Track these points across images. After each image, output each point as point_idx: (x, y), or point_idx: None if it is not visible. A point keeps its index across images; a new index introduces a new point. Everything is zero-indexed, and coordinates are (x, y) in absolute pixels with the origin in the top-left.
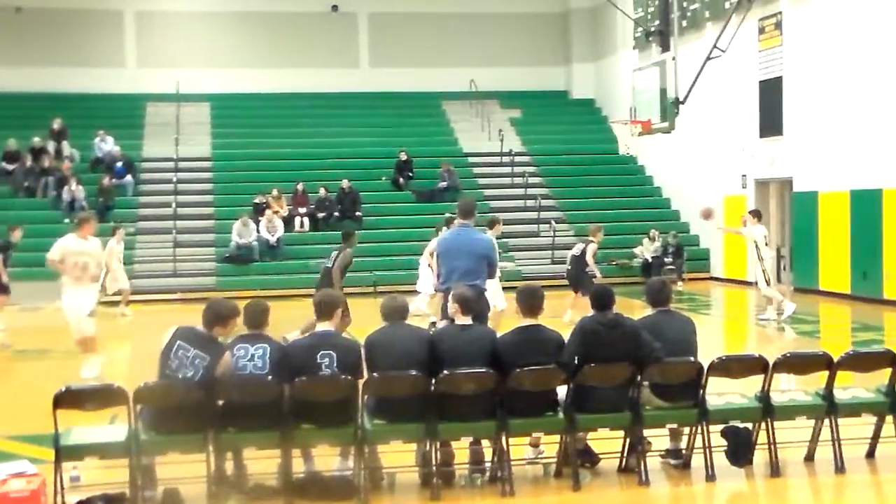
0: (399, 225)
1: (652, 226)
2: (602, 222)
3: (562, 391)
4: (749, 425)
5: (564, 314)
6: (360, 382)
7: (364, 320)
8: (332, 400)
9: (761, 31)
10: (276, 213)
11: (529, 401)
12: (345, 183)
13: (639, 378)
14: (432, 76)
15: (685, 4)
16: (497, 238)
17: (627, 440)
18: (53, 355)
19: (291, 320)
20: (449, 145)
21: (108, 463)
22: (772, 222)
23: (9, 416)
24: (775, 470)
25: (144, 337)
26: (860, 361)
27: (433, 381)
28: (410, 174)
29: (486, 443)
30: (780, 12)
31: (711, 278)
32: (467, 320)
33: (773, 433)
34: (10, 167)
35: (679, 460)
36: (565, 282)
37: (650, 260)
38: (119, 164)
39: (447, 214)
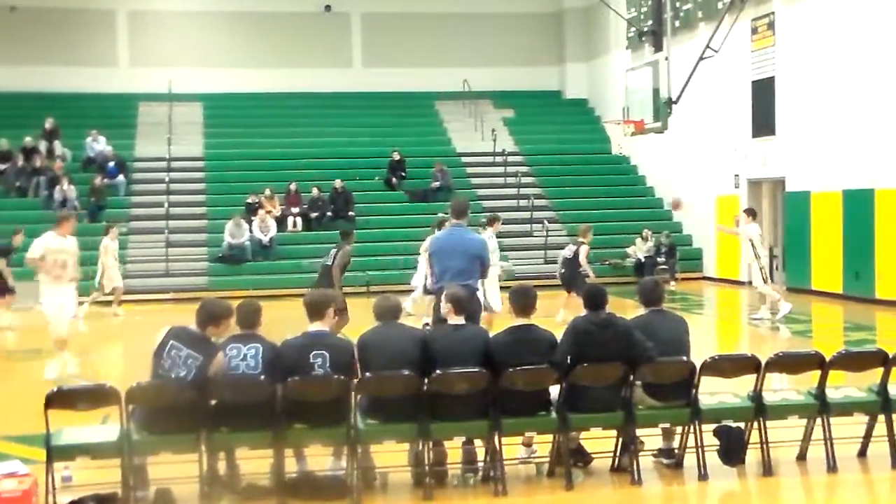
0: (392, 225)
1: (644, 226)
2: (595, 222)
3: (554, 391)
4: (741, 425)
5: (557, 314)
6: (353, 382)
7: (357, 320)
8: (325, 400)
9: (754, 31)
10: (268, 212)
11: (522, 400)
12: (337, 183)
13: (631, 377)
14: (425, 76)
15: (678, 4)
16: (496, 236)
17: (620, 440)
18: (45, 355)
19: (284, 320)
20: (442, 145)
21: (99, 463)
22: (764, 222)
23: (0, 417)
24: (767, 469)
25: (136, 337)
26: (852, 361)
27: (426, 380)
28: (403, 174)
29: (478, 442)
30: (773, 13)
31: (704, 278)
32: (460, 320)
33: (766, 432)
34: (2, 167)
35: (671, 460)
36: (558, 282)
37: (643, 260)
38: (111, 163)
39: (440, 215)
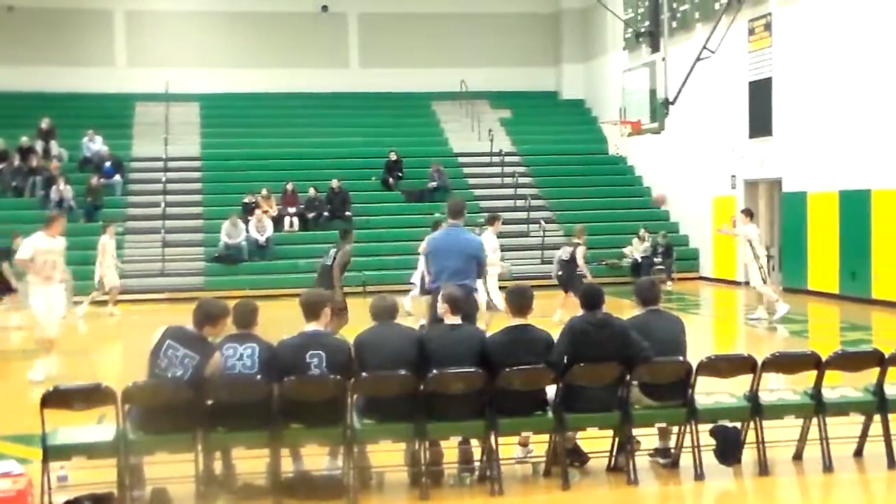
0: (389, 225)
1: (641, 226)
2: (591, 222)
3: (551, 390)
4: (738, 424)
5: (554, 314)
6: (350, 382)
7: (353, 320)
8: (321, 399)
9: (751, 32)
10: (265, 212)
11: (518, 400)
12: (334, 183)
13: (628, 377)
14: (422, 76)
15: (675, 5)
16: (497, 235)
17: (616, 439)
18: (41, 355)
19: (281, 320)
20: (439, 145)
21: (95, 463)
22: (761, 223)
23: None
24: (764, 469)
25: (133, 336)
26: (848, 361)
27: (422, 380)
28: (400, 174)
29: (475, 442)
30: (770, 13)
31: (700, 278)
32: (456, 320)
33: (762, 432)
34: None
35: (668, 459)
36: (554, 282)
37: (640, 260)
38: (107, 163)
39: (437, 215)
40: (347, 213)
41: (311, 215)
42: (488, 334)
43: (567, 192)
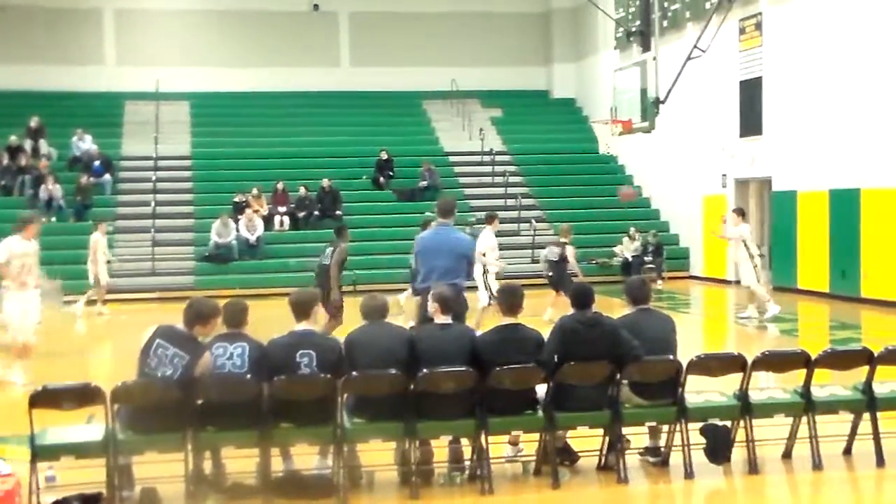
0: (380, 224)
1: (631, 225)
2: (582, 221)
3: (541, 389)
4: (727, 423)
5: (545, 312)
6: (340, 381)
7: (345, 319)
8: (311, 399)
9: (741, 31)
10: (255, 211)
11: (509, 399)
12: (325, 182)
13: (618, 376)
14: (413, 75)
15: (666, 5)
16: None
17: (606, 438)
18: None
19: (271, 320)
20: (430, 144)
21: (84, 463)
22: (751, 222)
23: None
24: (753, 467)
25: (122, 336)
26: (838, 359)
27: (413, 379)
28: (391, 173)
29: (465, 441)
30: (761, 13)
31: (691, 277)
32: (447, 319)
33: (752, 431)
34: None
35: (658, 458)
36: (545, 281)
37: (630, 259)
38: (97, 162)
39: (427, 214)
40: (338, 212)
41: (301, 214)
42: (478, 333)
43: (558, 191)
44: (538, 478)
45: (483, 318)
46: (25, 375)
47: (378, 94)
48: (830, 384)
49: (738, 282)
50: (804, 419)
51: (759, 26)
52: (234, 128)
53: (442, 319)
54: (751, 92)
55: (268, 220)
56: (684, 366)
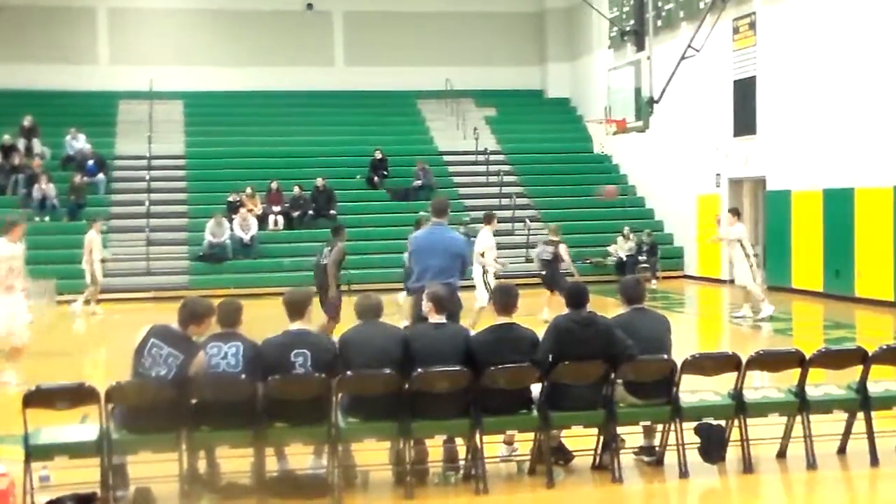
0: (374, 223)
1: (626, 224)
2: (576, 221)
3: (536, 389)
4: (722, 422)
5: (541, 312)
6: (335, 381)
7: (341, 318)
8: (306, 398)
9: (735, 31)
10: (250, 211)
11: (503, 399)
12: (319, 181)
13: (612, 376)
14: (407, 75)
15: (660, 4)
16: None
17: (601, 438)
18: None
19: (265, 319)
20: (424, 144)
21: (78, 462)
22: (745, 221)
23: None
24: (748, 466)
25: (116, 335)
26: (832, 359)
27: (407, 379)
28: (385, 173)
29: (459, 441)
30: (754, 12)
31: (685, 276)
32: (441, 318)
33: (746, 430)
34: None
35: (652, 457)
36: (539, 280)
37: (624, 258)
38: (90, 161)
39: (421, 213)
40: (332, 211)
41: (295, 214)
42: (473, 333)
43: (552, 190)
44: (533, 477)
45: (479, 317)
46: (18, 375)
47: (372, 94)
48: (825, 383)
49: (732, 281)
50: (798, 418)
51: (752, 26)
52: (228, 127)
53: (436, 319)
54: (744, 91)
55: (262, 220)
56: (679, 365)
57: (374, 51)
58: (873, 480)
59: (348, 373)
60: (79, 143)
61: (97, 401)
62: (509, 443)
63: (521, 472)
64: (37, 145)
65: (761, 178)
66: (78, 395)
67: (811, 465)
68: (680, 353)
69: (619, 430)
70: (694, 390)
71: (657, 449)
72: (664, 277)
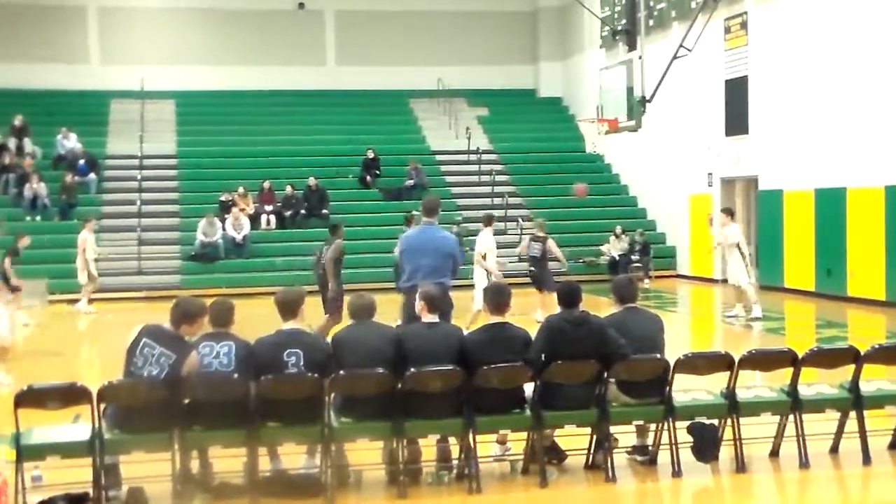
0: (366, 223)
1: (618, 224)
2: (568, 220)
3: (529, 388)
4: (715, 422)
5: (535, 312)
6: (328, 380)
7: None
8: (299, 398)
9: (727, 30)
10: (242, 210)
11: (496, 398)
12: (311, 181)
13: (605, 375)
14: (400, 74)
15: (652, 4)
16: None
17: (594, 437)
18: (12, 355)
19: (258, 318)
20: (416, 143)
21: (70, 462)
22: (737, 221)
23: None
24: (741, 465)
25: (108, 335)
26: (824, 358)
27: (400, 378)
28: (378, 172)
29: (453, 440)
30: (746, 12)
31: (678, 276)
32: (434, 318)
33: (739, 429)
34: None
35: (645, 457)
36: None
37: (617, 258)
38: (82, 161)
39: (414, 212)
40: (325, 210)
41: (288, 213)
42: (466, 332)
43: (544, 189)
44: (526, 476)
45: (475, 320)
46: (9, 375)
47: (364, 93)
48: (817, 383)
49: (725, 280)
50: (791, 417)
51: (744, 25)
52: (219, 126)
53: (429, 318)
54: (736, 91)
55: (254, 219)
56: (671, 364)
57: (366, 50)
58: (865, 479)
59: (341, 372)
60: (70, 142)
61: (89, 400)
62: (502, 442)
63: (514, 472)
64: (28, 144)
65: (753, 178)
66: (70, 395)
67: (804, 464)
68: (673, 352)
69: (612, 429)
70: (687, 389)
71: (650, 448)
72: (657, 277)
